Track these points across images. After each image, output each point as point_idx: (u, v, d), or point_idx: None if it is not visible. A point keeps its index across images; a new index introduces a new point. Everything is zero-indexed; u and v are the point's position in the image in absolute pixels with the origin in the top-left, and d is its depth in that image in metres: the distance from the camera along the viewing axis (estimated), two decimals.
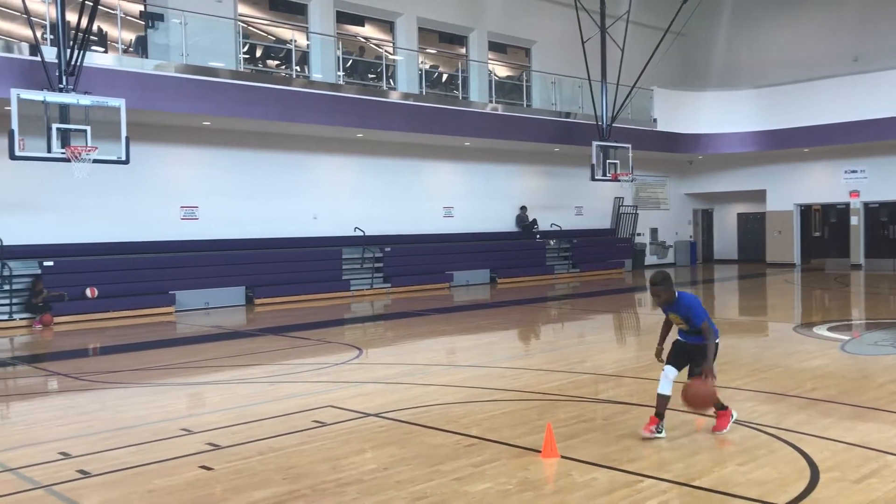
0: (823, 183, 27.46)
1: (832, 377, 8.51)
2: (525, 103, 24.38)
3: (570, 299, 19.59)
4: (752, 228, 30.88)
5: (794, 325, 13.19)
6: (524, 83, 25.01)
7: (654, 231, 30.11)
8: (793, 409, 7.12)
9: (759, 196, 29.18)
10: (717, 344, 6.35)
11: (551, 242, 25.48)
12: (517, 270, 23.83)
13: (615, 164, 22.79)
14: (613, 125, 23.30)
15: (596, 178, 22.51)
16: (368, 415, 7.26)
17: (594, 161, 22.32)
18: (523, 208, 25.28)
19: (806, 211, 28.61)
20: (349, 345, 11.95)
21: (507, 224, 25.10)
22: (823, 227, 28.53)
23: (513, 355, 11.29)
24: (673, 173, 30.69)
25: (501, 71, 25.66)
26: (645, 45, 23.63)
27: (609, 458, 5.72)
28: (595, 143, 22.42)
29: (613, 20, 22.80)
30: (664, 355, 6.46)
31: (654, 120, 26.54)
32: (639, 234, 28.89)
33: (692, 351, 6.31)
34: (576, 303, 18.66)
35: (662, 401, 6.22)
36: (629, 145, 23.12)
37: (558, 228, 26.05)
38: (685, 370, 6.37)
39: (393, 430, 6.73)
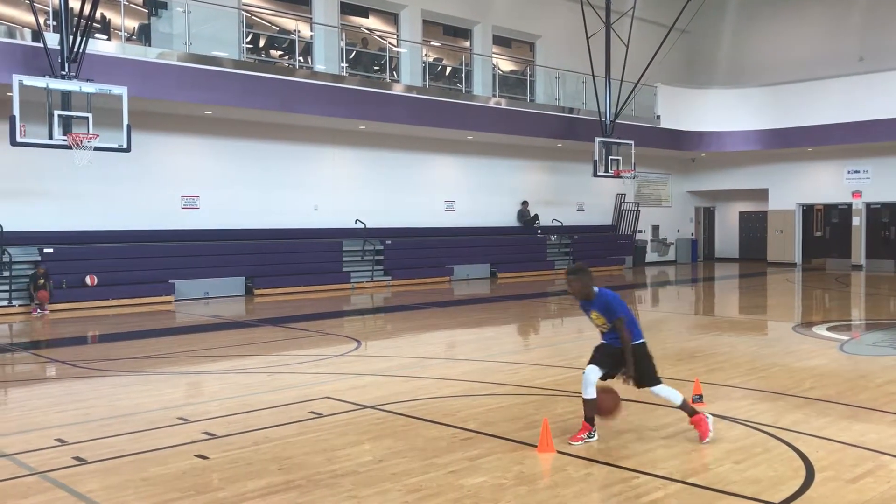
0: (826, 183, 27.42)
1: (830, 377, 8.50)
2: (529, 98, 24.33)
3: (570, 295, 19.53)
4: (754, 227, 30.88)
5: (794, 325, 13.17)
6: (528, 78, 24.96)
7: (655, 228, 30.07)
8: (790, 408, 7.11)
9: (762, 195, 29.15)
10: (642, 343, 6.10)
11: (552, 238, 25.45)
12: (518, 265, 23.81)
13: (618, 160, 22.74)
14: (616, 122, 23.24)
15: (598, 174, 22.47)
16: (365, 407, 7.26)
17: (596, 157, 22.28)
18: (525, 203, 25.24)
19: (808, 211, 28.57)
20: (348, 337, 11.95)
21: (508, 219, 25.07)
22: (825, 227, 28.47)
23: (511, 350, 11.28)
24: (675, 171, 30.64)
25: (505, 65, 25.60)
26: (650, 42, 23.56)
27: (605, 454, 5.72)
28: (598, 140, 22.38)
29: (619, 16, 22.71)
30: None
31: (658, 117, 26.47)
32: (640, 231, 28.83)
33: (617, 354, 6.03)
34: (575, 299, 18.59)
35: (589, 405, 5.97)
36: (632, 142, 23.07)
37: (559, 224, 26.02)
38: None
39: (389, 422, 6.73)
